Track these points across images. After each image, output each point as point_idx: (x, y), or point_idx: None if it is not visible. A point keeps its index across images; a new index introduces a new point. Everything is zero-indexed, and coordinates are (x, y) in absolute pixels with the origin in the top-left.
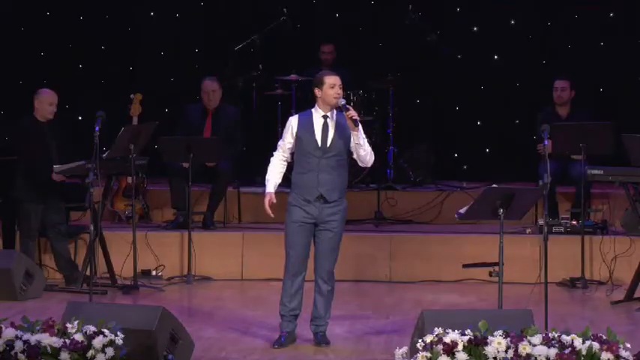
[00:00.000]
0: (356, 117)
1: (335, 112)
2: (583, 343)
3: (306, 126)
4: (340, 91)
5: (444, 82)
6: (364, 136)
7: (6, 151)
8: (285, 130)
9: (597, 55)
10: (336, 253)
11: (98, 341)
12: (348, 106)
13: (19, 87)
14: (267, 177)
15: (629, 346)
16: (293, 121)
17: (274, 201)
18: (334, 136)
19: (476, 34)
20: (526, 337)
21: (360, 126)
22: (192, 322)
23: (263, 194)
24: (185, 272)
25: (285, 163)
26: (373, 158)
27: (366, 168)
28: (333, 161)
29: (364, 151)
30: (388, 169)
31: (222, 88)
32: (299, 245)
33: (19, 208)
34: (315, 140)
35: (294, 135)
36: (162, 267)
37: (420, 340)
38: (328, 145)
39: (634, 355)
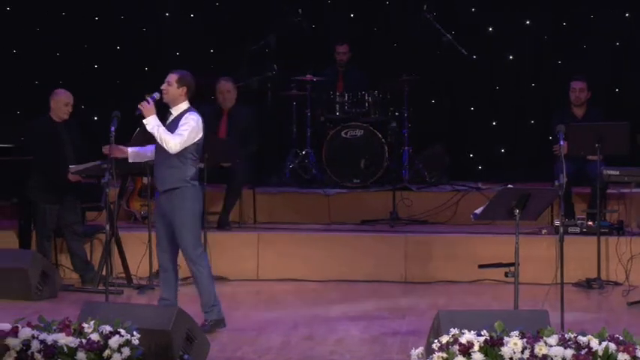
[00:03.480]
0: (139, 107)
1: (178, 108)
2: (599, 344)
3: None
4: (163, 87)
5: (459, 82)
6: (154, 125)
7: (22, 151)
8: None
9: (612, 56)
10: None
11: (114, 341)
12: (150, 99)
13: (35, 87)
14: None
15: None
16: None
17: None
18: None
19: (491, 35)
20: (542, 338)
21: (151, 118)
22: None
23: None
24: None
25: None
26: (167, 143)
27: (380, 169)
28: (163, 154)
29: (157, 139)
30: (403, 170)
31: (237, 88)
32: (157, 238)
33: (35, 208)
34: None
35: None
36: (177, 267)
37: (435, 341)
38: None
39: None
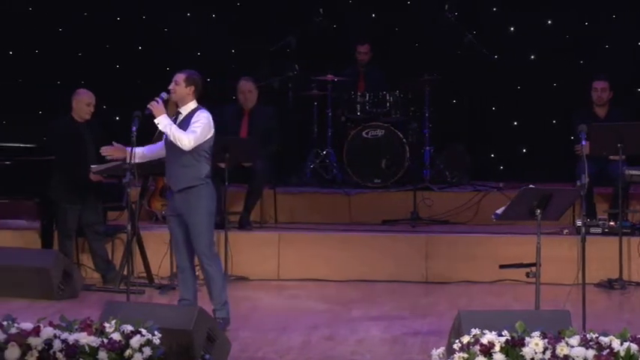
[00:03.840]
0: (149, 107)
1: (187, 107)
2: (621, 344)
3: None
4: (171, 87)
5: (480, 82)
6: (166, 124)
7: (44, 151)
8: None
9: (634, 55)
10: (201, 239)
11: (136, 341)
12: (158, 99)
13: (56, 87)
14: None
15: None
16: None
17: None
18: None
19: (512, 34)
20: (564, 339)
21: (162, 117)
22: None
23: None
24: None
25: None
26: (181, 141)
27: (400, 169)
28: (176, 153)
29: (170, 137)
30: (424, 170)
31: (258, 88)
32: (171, 237)
33: (57, 208)
34: (165, 137)
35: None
36: (198, 267)
37: (457, 341)
38: (168, 140)
39: None
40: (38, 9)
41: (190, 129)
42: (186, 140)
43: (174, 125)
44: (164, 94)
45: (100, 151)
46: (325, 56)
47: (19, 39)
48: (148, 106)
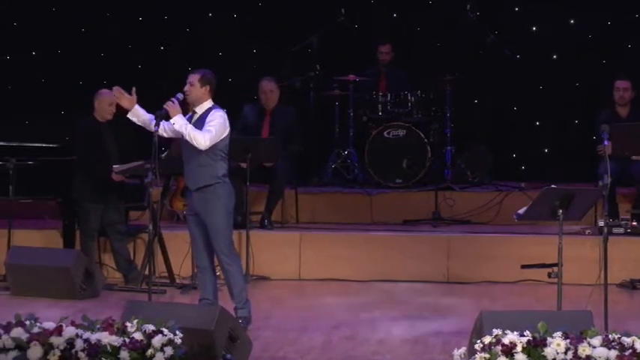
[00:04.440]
0: (166, 107)
1: (202, 106)
2: None
3: None
4: (187, 88)
5: (502, 82)
6: (182, 124)
7: (66, 151)
8: None
9: None
10: (220, 239)
11: (157, 340)
12: (174, 99)
13: (79, 87)
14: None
15: None
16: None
17: (122, 92)
18: None
19: (534, 34)
20: (586, 339)
21: (177, 117)
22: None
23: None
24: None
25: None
26: (198, 140)
27: (422, 169)
28: (193, 152)
29: (186, 137)
30: (446, 170)
31: (280, 88)
32: (191, 237)
33: (79, 207)
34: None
35: None
36: (218, 267)
37: (478, 341)
38: (185, 139)
39: None
40: (61, 9)
41: (206, 128)
42: (202, 140)
43: (190, 125)
44: (180, 95)
45: (113, 89)
46: (347, 56)
47: (42, 39)
48: (164, 106)
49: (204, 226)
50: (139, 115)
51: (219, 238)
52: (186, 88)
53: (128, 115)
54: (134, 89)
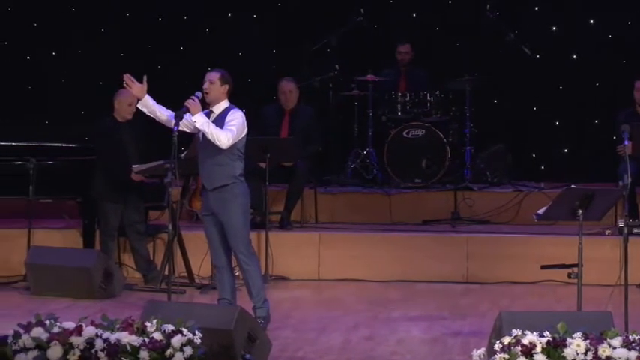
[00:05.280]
0: (187, 104)
1: (220, 106)
2: None
3: None
4: (206, 86)
5: (521, 81)
6: (203, 122)
7: (86, 151)
8: None
9: None
10: (238, 238)
11: (177, 340)
12: (194, 97)
13: (99, 87)
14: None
15: None
16: None
17: (133, 80)
18: None
19: (554, 34)
20: (606, 340)
21: (199, 115)
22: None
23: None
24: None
25: (167, 115)
26: (220, 139)
27: (441, 169)
28: (210, 152)
29: (208, 135)
30: (465, 170)
31: (299, 88)
32: (207, 237)
33: (99, 207)
34: (198, 135)
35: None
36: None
37: (497, 342)
38: (203, 138)
39: None
40: (80, 10)
41: (227, 127)
42: (224, 139)
43: (212, 124)
44: (199, 93)
45: (124, 76)
46: (366, 56)
47: (62, 39)
48: (185, 103)
49: (220, 225)
50: (148, 105)
51: (237, 238)
52: (206, 86)
53: (138, 105)
54: (145, 77)
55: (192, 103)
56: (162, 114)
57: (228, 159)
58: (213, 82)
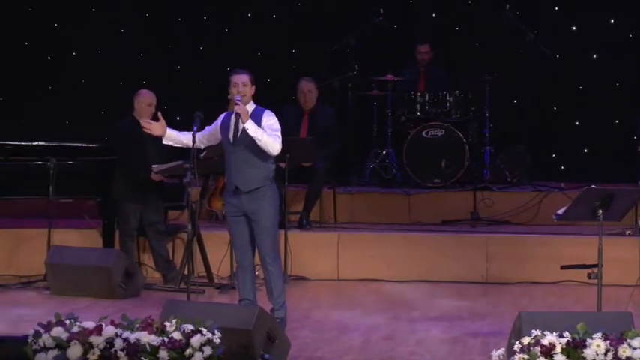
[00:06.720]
0: (239, 111)
1: (248, 107)
2: None
3: (225, 124)
4: (241, 89)
5: (541, 81)
6: (255, 128)
7: (106, 151)
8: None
9: None
10: (268, 239)
11: (196, 340)
12: (238, 102)
13: (119, 88)
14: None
15: None
16: (220, 117)
17: (151, 123)
18: (242, 131)
19: (574, 34)
20: (626, 340)
21: (250, 122)
22: (287, 322)
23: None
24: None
25: (191, 138)
26: (274, 146)
27: (460, 169)
28: (245, 154)
29: (260, 142)
30: (484, 170)
31: (318, 88)
32: (234, 237)
33: (119, 207)
34: (228, 137)
35: (216, 129)
36: (257, 266)
37: (517, 342)
38: (236, 141)
39: None
40: (100, 10)
41: (274, 134)
42: (278, 146)
43: (264, 131)
44: (239, 97)
45: (142, 123)
46: (385, 56)
47: (82, 40)
48: (236, 110)
49: (250, 226)
50: (173, 138)
51: (268, 239)
52: (241, 88)
53: (164, 141)
54: (160, 114)
55: (243, 109)
56: (189, 139)
57: (264, 161)
58: (247, 84)
